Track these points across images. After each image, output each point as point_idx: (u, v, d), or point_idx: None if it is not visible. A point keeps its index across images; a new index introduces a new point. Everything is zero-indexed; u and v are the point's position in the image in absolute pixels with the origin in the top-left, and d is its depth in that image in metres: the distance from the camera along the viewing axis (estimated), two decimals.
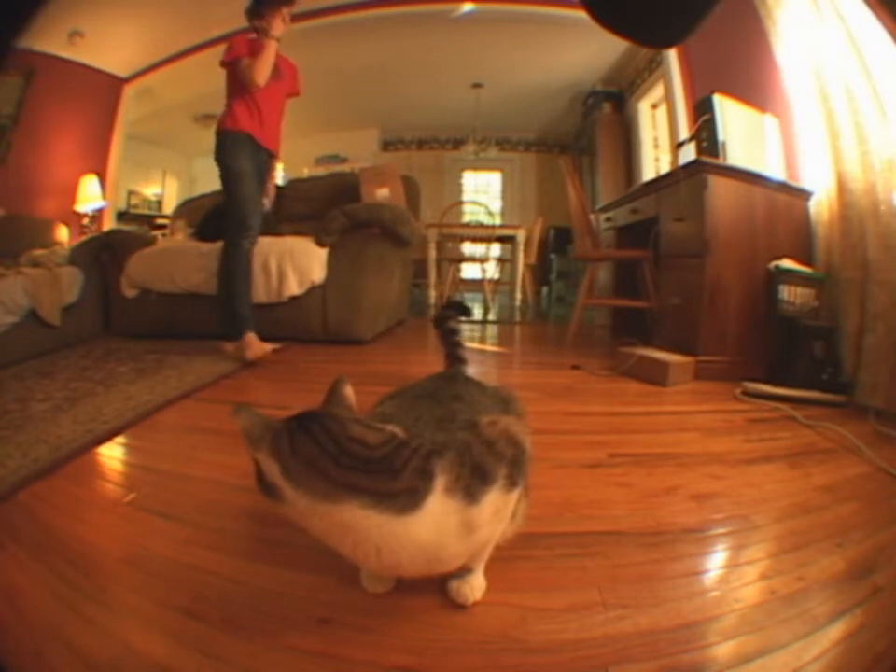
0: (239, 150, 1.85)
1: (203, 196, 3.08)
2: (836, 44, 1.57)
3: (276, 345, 1.96)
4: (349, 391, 0.53)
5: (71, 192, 3.58)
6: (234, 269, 1.87)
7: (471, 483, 0.46)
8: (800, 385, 1.49)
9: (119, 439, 1.06)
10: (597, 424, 1.24)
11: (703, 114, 1.94)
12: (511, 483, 0.50)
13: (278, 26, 1.82)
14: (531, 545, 0.67)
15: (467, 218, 4.75)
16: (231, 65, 1.84)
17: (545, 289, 5.53)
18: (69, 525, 0.72)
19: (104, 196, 3.73)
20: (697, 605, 0.57)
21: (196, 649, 0.49)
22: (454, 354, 0.88)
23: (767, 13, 1.94)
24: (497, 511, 0.49)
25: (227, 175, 1.86)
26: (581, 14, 0.46)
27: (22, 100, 3.18)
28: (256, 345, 1.82)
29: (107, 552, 0.67)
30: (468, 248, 4.26)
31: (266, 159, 1.99)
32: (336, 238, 2.24)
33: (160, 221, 4.87)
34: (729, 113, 1.91)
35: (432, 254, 3.99)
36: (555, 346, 2.50)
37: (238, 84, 1.85)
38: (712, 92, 1.93)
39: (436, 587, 0.56)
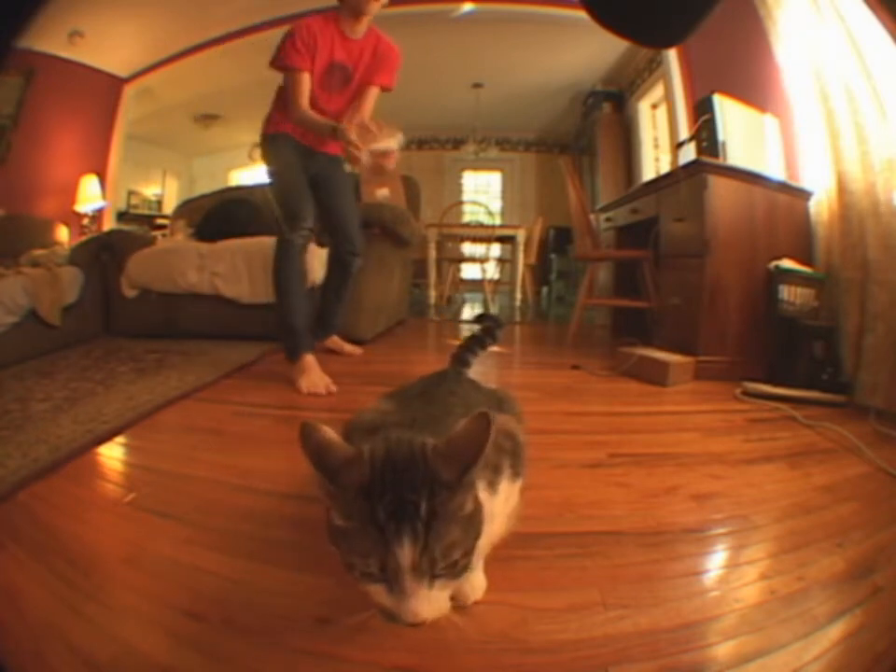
0: (280, 146, 1.59)
1: (203, 196, 3.08)
2: (836, 44, 1.56)
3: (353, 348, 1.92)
4: (330, 432, 0.42)
5: (71, 192, 3.58)
6: (283, 273, 1.53)
7: (490, 476, 0.48)
8: (800, 385, 1.49)
9: (119, 439, 1.06)
10: (597, 424, 1.24)
11: (703, 114, 1.94)
12: (515, 474, 0.52)
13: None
14: (531, 545, 0.67)
15: (467, 218, 4.75)
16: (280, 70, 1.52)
17: (545, 289, 5.53)
18: (69, 524, 0.72)
19: (104, 196, 3.73)
20: (697, 605, 0.57)
21: (196, 649, 0.49)
22: (463, 354, 0.83)
23: (767, 13, 1.94)
24: (507, 500, 0.51)
25: (269, 172, 1.62)
26: (581, 14, 0.47)
27: (22, 100, 3.18)
28: (313, 374, 1.46)
29: (107, 552, 0.67)
30: (468, 248, 4.25)
31: (327, 163, 1.66)
32: None
33: (160, 221, 4.86)
34: (729, 113, 1.91)
35: (432, 254, 3.98)
36: (555, 346, 2.50)
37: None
38: (712, 92, 1.93)
39: None
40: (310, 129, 1.51)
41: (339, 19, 1.50)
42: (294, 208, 1.53)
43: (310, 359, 1.51)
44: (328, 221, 1.75)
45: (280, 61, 1.46)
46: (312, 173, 1.62)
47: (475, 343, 0.85)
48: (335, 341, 2.00)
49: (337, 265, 1.80)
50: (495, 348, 0.96)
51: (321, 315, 1.89)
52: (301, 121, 1.49)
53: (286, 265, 1.54)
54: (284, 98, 1.55)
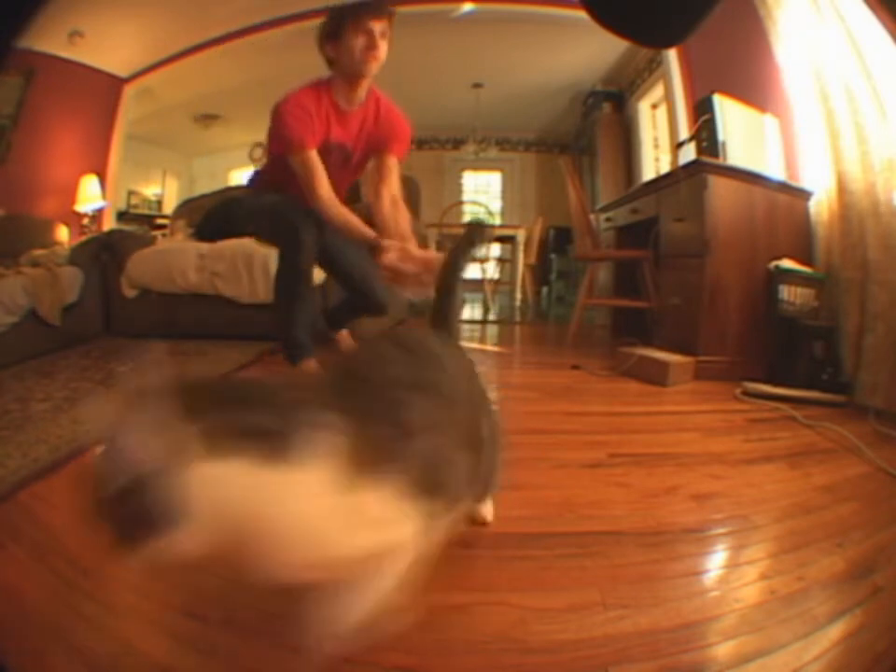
0: (266, 191, 1.47)
1: (204, 196, 3.08)
2: (836, 44, 1.57)
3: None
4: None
5: (71, 192, 3.58)
6: (289, 289, 1.43)
7: (369, 464, 0.36)
8: (800, 385, 1.49)
9: None
10: (597, 424, 1.24)
11: (703, 114, 1.94)
12: (427, 490, 0.40)
13: (367, 55, 1.25)
14: (531, 545, 0.67)
15: (467, 218, 4.75)
16: (280, 157, 1.32)
17: (545, 289, 5.53)
18: (69, 524, 0.72)
19: (104, 196, 3.73)
20: (697, 605, 0.56)
21: (196, 649, 0.49)
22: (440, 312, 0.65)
23: (767, 13, 1.94)
24: (393, 511, 0.38)
25: (255, 210, 1.49)
26: (581, 14, 0.47)
27: (22, 100, 3.18)
28: None
29: (107, 552, 0.66)
30: None
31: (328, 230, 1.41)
32: None
33: (160, 221, 4.86)
34: (729, 113, 1.91)
35: None
36: (555, 346, 2.50)
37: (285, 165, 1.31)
38: (712, 92, 1.93)
39: (435, 587, 0.56)
40: (339, 227, 1.29)
41: (332, 88, 1.31)
42: (297, 232, 1.35)
43: (311, 364, 1.50)
44: (344, 280, 1.63)
45: (282, 146, 1.27)
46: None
47: (456, 258, 0.68)
48: (342, 335, 1.98)
49: (360, 309, 1.71)
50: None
51: (331, 316, 1.82)
52: (329, 218, 1.27)
53: (292, 283, 1.43)
54: (272, 180, 1.45)
